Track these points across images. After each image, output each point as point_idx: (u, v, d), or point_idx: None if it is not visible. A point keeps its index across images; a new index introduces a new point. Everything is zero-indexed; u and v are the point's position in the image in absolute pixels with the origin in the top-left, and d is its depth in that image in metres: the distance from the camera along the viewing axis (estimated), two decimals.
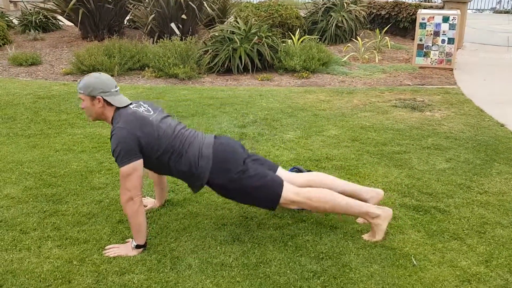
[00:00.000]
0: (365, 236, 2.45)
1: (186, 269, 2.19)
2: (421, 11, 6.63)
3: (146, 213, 2.69)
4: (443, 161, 3.48)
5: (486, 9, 13.90)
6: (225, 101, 5.09)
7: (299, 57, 6.43)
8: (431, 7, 8.45)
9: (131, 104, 2.35)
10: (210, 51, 6.63)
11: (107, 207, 2.77)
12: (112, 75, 6.33)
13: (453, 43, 6.48)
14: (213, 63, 6.52)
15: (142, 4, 8.08)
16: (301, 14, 8.38)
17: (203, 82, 6.21)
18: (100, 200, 2.86)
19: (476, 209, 2.73)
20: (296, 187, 2.40)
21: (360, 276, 2.14)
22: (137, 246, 2.30)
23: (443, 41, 6.50)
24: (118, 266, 2.21)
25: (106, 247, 2.35)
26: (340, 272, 2.17)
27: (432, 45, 6.57)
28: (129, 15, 8.73)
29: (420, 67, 6.70)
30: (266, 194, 2.34)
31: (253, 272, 2.16)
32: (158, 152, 2.29)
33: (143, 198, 2.87)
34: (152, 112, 2.36)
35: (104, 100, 2.29)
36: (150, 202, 2.81)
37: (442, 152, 3.65)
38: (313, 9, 8.48)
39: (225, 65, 6.49)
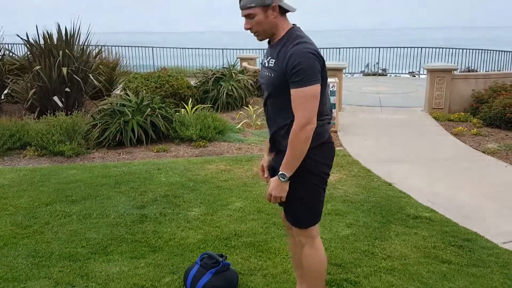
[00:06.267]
0: None
1: None
2: None
3: None
4: (345, 227, 3.60)
5: (356, 73, 15.53)
6: (120, 179, 4.80)
7: (195, 126, 6.43)
8: None
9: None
10: (99, 124, 6.32)
11: None
12: None
13: (334, 108, 7.02)
14: (103, 137, 6.21)
15: (21, 79, 7.53)
16: (191, 83, 8.51)
17: (93, 158, 5.84)
18: None
19: (384, 277, 2.82)
20: None
21: None
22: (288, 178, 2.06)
23: None
24: None
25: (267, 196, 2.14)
26: None
27: None
28: (6, 89, 8.07)
29: None
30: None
31: None
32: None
33: None
34: None
35: (279, 7, 2.01)
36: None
37: (342, 217, 3.79)
38: (203, 79, 8.67)
39: (117, 138, 6.22)
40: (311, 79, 1.93)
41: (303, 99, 1.94)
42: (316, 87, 1.94)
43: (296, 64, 1.93)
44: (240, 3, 2.05)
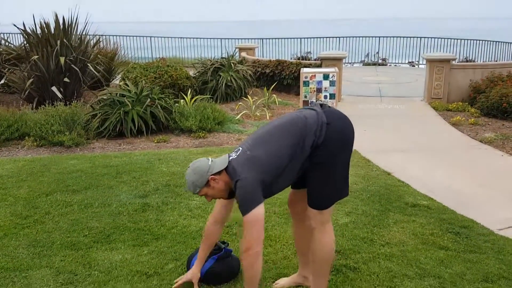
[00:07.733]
0: None
1: None
2: (303, 70, 7.14)
3: None
4: (344, 215, 3.64)
5: (356, 62, 15.53)
6: (121, 169, 4.83)
7: (194, 117, 6.44)
8: (310, 65, 9.17)
9: (229, 157, 2.28)
10: (99, 114, 6.34)
11: None
12: None
13: (334, 98, 7.05)
14: (103, 127, 6.22)
15: (18, 68, 7.52)
16: (190, 74, 8.50)
17: (93, 148, 5.87)
18: None
19: (383, 263, 2.87)
20: None
21: None
22: None
23: (325, 96, 7.03)
24: None
25: None
26: None
27: (316, 100, 7.06)
28: (3, 79, 8.05)
29: None
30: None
31: None
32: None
33: None
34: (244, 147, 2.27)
35: (215, 174, 2.25)
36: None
37: (342, 206, 3.83)
38: (202, 69, 8.66)
39: (117, 129, 6.24)
40: (249, 205, 2.11)
41: (247, 225, 2.13)
42: (256, 211, 2.10)
43: (238, 201, 2.16)
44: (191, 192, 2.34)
